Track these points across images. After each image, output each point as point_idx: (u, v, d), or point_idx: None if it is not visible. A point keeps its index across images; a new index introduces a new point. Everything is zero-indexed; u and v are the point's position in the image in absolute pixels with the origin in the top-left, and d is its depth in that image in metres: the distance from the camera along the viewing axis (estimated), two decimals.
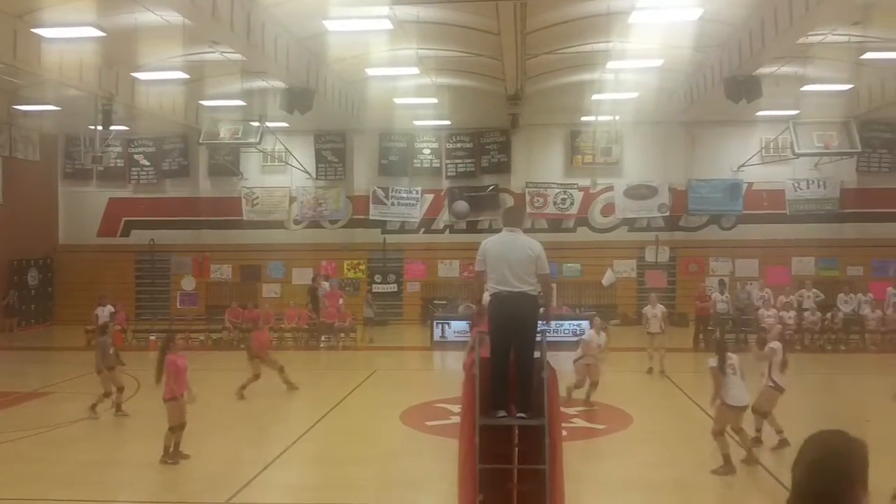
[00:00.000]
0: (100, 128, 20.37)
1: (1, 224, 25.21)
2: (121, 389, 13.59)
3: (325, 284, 23.93)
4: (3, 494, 9.47)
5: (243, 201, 27.49)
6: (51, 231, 28.37)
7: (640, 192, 26.34)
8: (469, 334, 10.20)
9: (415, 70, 19.81)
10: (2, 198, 25.64)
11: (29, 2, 15.38)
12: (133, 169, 28.09)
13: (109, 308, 20.59)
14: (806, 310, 21.78)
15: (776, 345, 11.34)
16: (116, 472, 10.24)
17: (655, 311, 17.76)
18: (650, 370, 17.34)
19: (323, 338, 22.37)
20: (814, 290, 22.83)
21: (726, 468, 9.95)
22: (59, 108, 23.40)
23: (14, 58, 16.57)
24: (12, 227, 25.57)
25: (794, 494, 2.52)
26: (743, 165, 25.79)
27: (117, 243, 28.11)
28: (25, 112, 24.87)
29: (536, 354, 7.11)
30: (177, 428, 10.65)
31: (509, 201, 26.16)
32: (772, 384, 10.94)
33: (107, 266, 27.21)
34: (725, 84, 18.42)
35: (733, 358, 10.46)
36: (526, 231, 7.65)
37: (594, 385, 13.99)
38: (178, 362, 10.84)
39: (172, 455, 10.53)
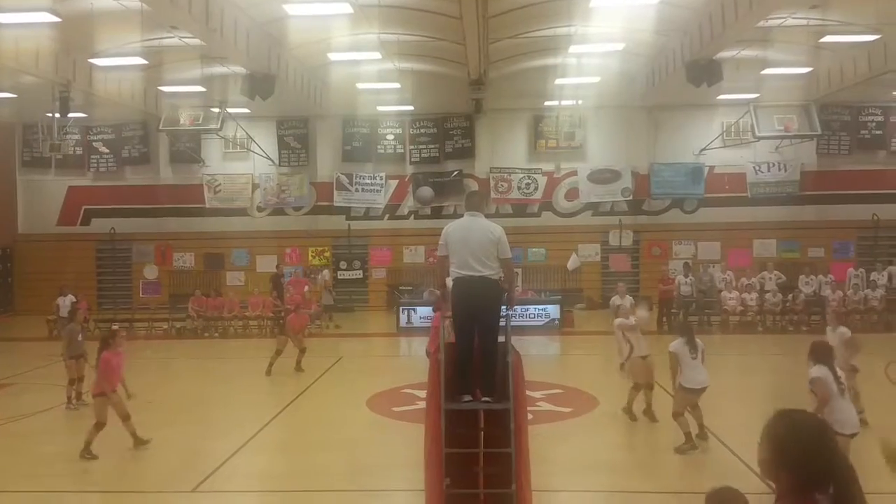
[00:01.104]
0: (57, 115, 19.93)
1: None
2: (81, 379, 13.38)
3: (325, 272, 24.62)
4: None
5: (205, 188, 27.16)
6: (9, 220, 27.79)
7: (603, 177, 26.53)
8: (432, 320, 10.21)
9: (377, 55, 19.69)
10: None
11: None
12: (92, 157, 27.60)
13: (70, 297, 20.26)
14: (768, 292, 22.16)
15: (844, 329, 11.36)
16: (80, 463, 10.10)
17: (624, 301, 16.07)
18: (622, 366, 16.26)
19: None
20: (775, 272, 23.23)
21: (687, 445, 10.14)
22: (15, 96, 22.85)
23: None
24: None
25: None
26: (704, 149, 26.08)
27: (77, 232, 27.64)
28: None
29: (501, 339, 7.17)
30: (100, 425, 10.41)
31: (473, 186, 26.18)
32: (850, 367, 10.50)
33: (67, 255, 26.75)
34: (687, 68, 18.61)
35: (697, 342, 10.51)
36: (490, 216, 7.71)
37: (650, 387, 12.01)
38: (113, 360, 10.71)
39: (89, 451, 10.30)
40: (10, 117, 26.67)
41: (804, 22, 17.34)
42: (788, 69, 21.73)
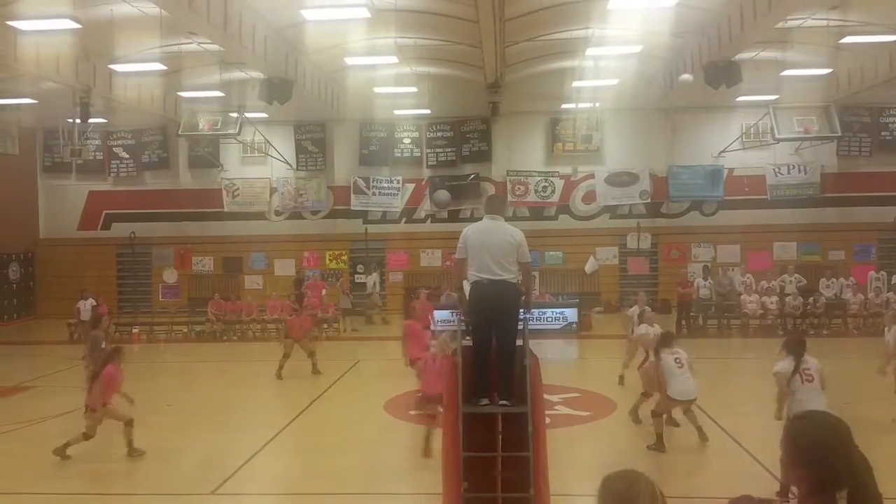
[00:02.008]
0: (78, 121, 20.16)
1: None
2: None
3: (374, 276, 25.08)
4: None
5: (224, 193, 27.33)
6: (31, 225, 28.11)
7: (621, 180, 26.42)
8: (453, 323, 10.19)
9: (394, 59, 19.73)
10: None
11: None
12: (112, 162, 27.86)
13: (91, 301, 20.45)
14: (788, 295, 21.96)
15: None
16: (97, 467, 10.19)
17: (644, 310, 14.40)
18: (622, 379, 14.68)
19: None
20: (796, 275, 23.02)
21: (657, 446, 10.42)
22: (36, 102, 23.11)
23: None
24: None
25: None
26: (723, 151, 25.90)
27: (98, 236, 27.91)
28: (3, 106, 24.51)
29: (518, 342, 7.15)
30: (89, 436, 10.51)
31: (490, 190, 26.16)
32: None
33: (88, 259, 27.02)
34: (705, 70, 18.49)
35: (680, 352, 10.67)
36: (507, 219, 7.67)
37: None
38: (117, 376, 10.80)
39: (62, 451, 10.46)
40: (31, 123, 26.97)
41: (824, 23, 17.19)
42: (808, 70, 21.56)
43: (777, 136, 22.88)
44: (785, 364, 8.60)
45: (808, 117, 22.82)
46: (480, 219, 7.58)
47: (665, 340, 11.04)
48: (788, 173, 26.08)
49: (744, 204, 26.15)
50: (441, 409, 9.34)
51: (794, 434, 2.65)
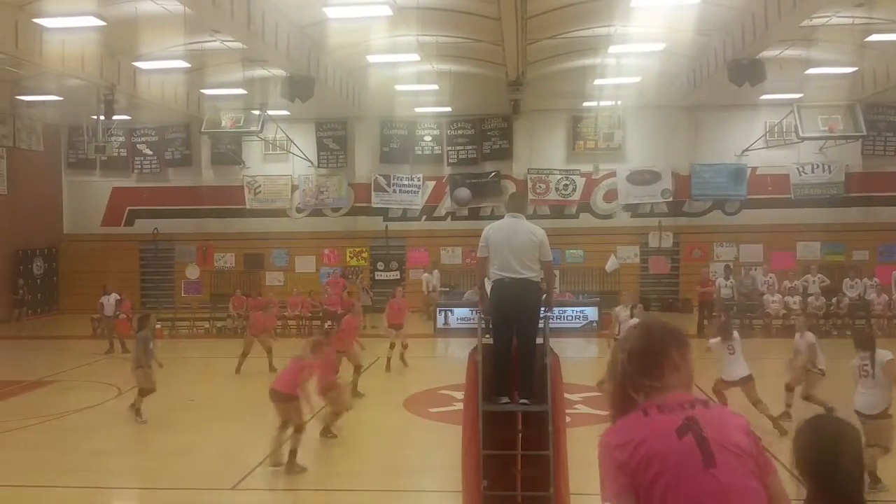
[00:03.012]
0: (102, 118, 20.38)
1: (6, 214, 25.30)
2: (153, 390, 12.52)
3: (432, 274, 24.80)
4: (10, 481, 9.54)
5: (246, 190, 27.49)
6: (55, 221, 28.43)
7: (643, 178, 26.27)
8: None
9: (415, 57, 19.74)
10: (7, 188, 25.72)
11: None
12: (136, 158, 28.12)
13: (115, 296, 20.62)
14: (811, 295, 21.73)
15: None
16: (122, 460, 10.29)
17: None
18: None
19: (327, 325, 22.39)
20: (819, 274, 22.78)
21: None
22: (61, 99, 23.39)
23: (16, 48, 16.57)
24: (17, 216, 25.66)
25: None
26: (747, 150, 25.68)
27: (121, 232, 28.18)
28: (28, 102, 24.86)
29: (539, 341, 7.13)
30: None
31: (511, 188, 26.10)
32: None
33: (111, 255, 27.29)
34: (728, 68, 18.34)
35: (736, 340, 11.34)
36: (528, 217, 7.65)
37: None
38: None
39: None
40: (56, 120, 27.28)
41: (849, 20, 16.99)
42: (833, 69, 21.32)
43: (801, 134, 22.63)
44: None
45: (832, 116, 22.56)
46: (501, 217, 7.55)
47: (724, 331, 11.51)
48: (812, 172, 25.81)
49: (767, 203, 25.91)
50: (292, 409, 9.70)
51: (795, 438, 2.70)
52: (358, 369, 14.24)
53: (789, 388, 11.92)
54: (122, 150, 27.57)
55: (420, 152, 27.13)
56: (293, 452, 9.63)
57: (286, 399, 9.77)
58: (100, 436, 11.69)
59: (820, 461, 2.58)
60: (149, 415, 12.16)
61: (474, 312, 7.58)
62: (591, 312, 21.77)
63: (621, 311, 14.07)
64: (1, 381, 13.91)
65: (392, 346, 16.80)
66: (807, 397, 11.59)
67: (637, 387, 2.68)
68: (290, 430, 9.76)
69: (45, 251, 27.60)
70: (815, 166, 25.74)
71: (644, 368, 2.69)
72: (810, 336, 11.97)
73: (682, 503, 2.47)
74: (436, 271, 25.20)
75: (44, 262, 27.48)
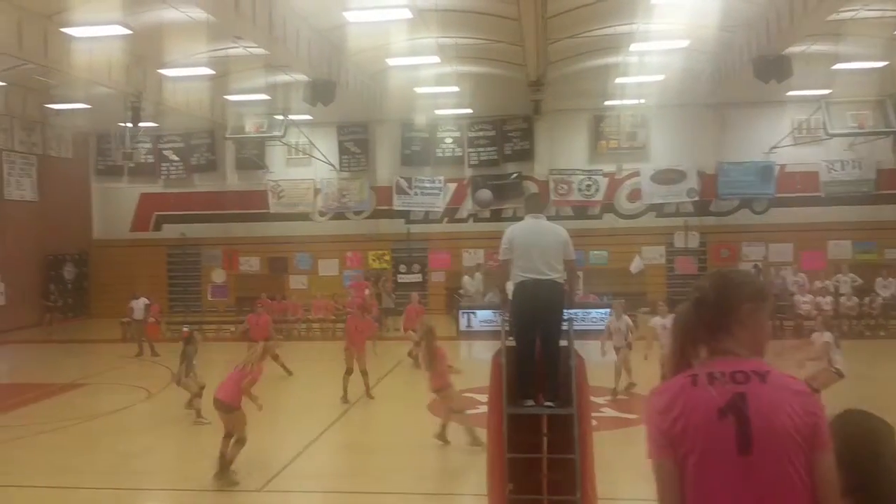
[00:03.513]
0: (129, 125, 20.66)
1: (37, 220, 25.70)
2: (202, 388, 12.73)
3: (473, 277, 23.85)
4: (42, 483, 9.71)
5: (269, 194, 27.69)
6: (85, 226, 28.85)
7: (667, 177, 26.05)
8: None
9: (435, 59, 19.76)
10: (38, 195, 26.12)
11: (57, 2, 15.57)
12: (163, 164, 28.43)
13: (143, 300, 20.86)
14: (842, 295, 21.39)
15: None
16: (152, 462, 10.39)
17: (620, 323, 14.35)
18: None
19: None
20: (850, 274, 22.42)
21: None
22: (89, 107, 23.72)
23: (45, 58, 16.84)
24: (48, 222, 26.06)
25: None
26: (774, 147, 25.37)
27: (149, 237, 28.51)
28: (58, 111, 25.28)
29: (563, 343, 7.09)
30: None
31: (533, 189, 26.03)
32: None
33: (140, 260, 27.63)
34: (754, 64, 18.12)
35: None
36: (550, 218, 7.63)
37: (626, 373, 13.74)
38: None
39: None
40: (85, 127, 27.65)
41: (878, 14, 16.72)
42: (862, 63, 20.97)
43: (830, 131, 22.34)
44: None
45: (862, 112, 22.27)
46: (522, 218, 7.52)
47: (830, 325, 11.84)
48: (842, 169, 25.43)
49: (796, 201, 25.57)
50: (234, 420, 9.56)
51: (833, 435, 2.58)
52: (364, 372, 14.20)
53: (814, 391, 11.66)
54: (149, 156, 27.89)
55: (441, 154, 27.14)
56: (229, 462, 9.45)
57: (229, 409, 9.57)
58: (130, 438, 11.82)
59: (858, 457, 2.49)
60: (188, 416, 12.29)
61: (497, 315, 7.55)
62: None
63: (658, 321, 13.62)
64: (33, 384, 14.13)
65: (417, 344, 16.93)
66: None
67: (698, 340, 2.57)
68: (231, 437, 9.61)
69: (75, 256, 28.01)
70: (845, 163, 25.35)
71: (710, 320, 2.57)
72: (827, 335, 11.77)
73: (710, 486, 2.44)
74: (477, 274, 24.61)
75: (74, 267, 27.88)
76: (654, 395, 2.62)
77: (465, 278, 23.86)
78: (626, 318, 14.10)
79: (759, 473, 2.40)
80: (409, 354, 17.50)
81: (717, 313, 2.56)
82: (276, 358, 15.87)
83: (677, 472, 2.49)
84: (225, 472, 9.43)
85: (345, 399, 13.84)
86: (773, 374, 2.53)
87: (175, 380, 13.11)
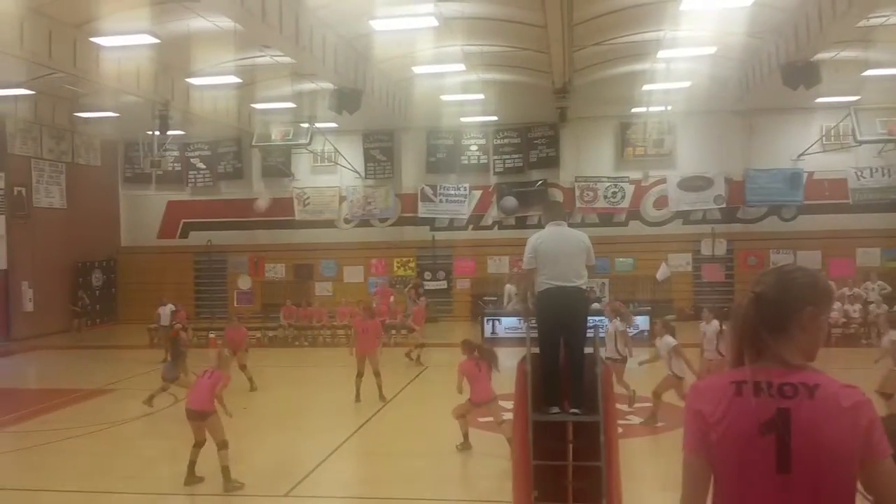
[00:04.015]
0: (157, 133, 20.90)
1: (66, 228, 26.05)
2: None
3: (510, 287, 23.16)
4: (71, 487, 9.82)
5: (295, 201, 27.87)
6: (113, 233, 29.20)
7: (694, 184, 25.87)
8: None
9: (461, 66, 19.80)
10: (66, 202, 26.48)
11: (87, 12, 15.83)
12: (190, 172, 28.72)
13: (171, 307, 21.06)
14: (871, 303, 21.09)
15: None
16: (178, 467, 10.42)
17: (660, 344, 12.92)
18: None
19: None
20: (879, 282, 22.15)
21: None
22: (118, 115, 24.04)
23: (74, 67, 17.09)
24: (76, 230, 26.40)
25: None
26: (803, 154, 25.11)
27: (176, 244, 28.79)
28: (86, 119, 25.66)
29: (588, 350, 7.05)
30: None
31: (558, 196, 25.97)
32: None
33: (167, 266, 27.91)
34: (782, 71, 17.95)
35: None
36: (575, 225, 7.66)
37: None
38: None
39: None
40: (113, 135, 28.04)
41: None
42: (891, 70, 20.67)
43: (859, 138, 22.07)
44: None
45: (891, 119, 21.94)
46: (544, 227, 7.51)
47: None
48: (871, 176, 25.12)
49: (825, 208, 25.27)
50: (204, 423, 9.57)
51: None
52: (377, 374, 14.57)
53: (886, 396, 10.93)
54: (176, 164, 28.20)
55: (466, 162, 27.16)
56: (226, 469, 9.48)
57: (205, 416, 9.59)
58: (157, 443, 11.92)
59: None
60: None
61: (522, 322, 7.54)
62: (643, 322, 21.45)
63: (707, 328, 13.29)
64: (62, 389, 14.29)
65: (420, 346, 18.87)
66: (883, 394, 10.92)
67: (754, 339, 2.46)
68: (202, 448, 9.62)
69: (103, 263, 28.34)
70: (874, 170, 25.03)
71: (768, 319, 2.45)
72: (894, 334, 11.42)
73: (744, 500, 2.39)
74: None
75: (102, 273, 28.22)
76: (696, 391, 2.56)
77: (509, 286, 23.38)
78: (668, 338, 12.43)
79: (797, 493, 2.32)
80: (407, 355, 18.63)
81: (777, 313, 2.46)
82: (243, 368, 15.99)
83: (707, 474, 2.46)
84: (227, 480, 9.50)
85: (357, 398, 14.29)
86: (822, 387, 2.42)
87: (168, 377, 13.66)
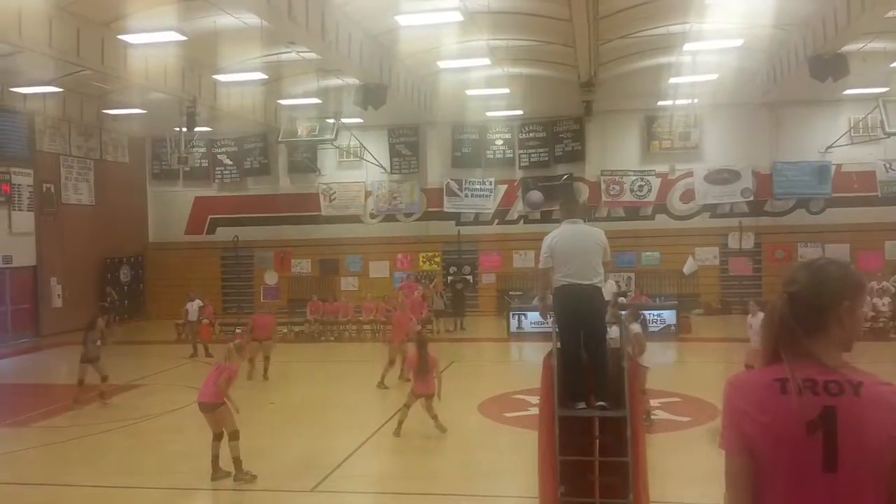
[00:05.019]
0: (184, 129, 21.11)
1: (94, 223, 26.40)
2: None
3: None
4: (98, 482, 9.95)
5: (321, 197, 28.01)
6: (141, 230, 29.54)
7: (721, 177, 25.64)
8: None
9: (486, 61, 19.77)
10: (94, 199, 26.83)
11: (114, 10, 16.02)
12: (217, 168, 28.97)
13: (198, 302, 21.27)
14: None
15: None
16: (205, 461, 10.54)
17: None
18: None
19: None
20: None
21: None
22: (145, 112, 24.33)
23: (102, 64, 17.31)
24: (105, 226, 26.74)
25: None
26: (831, 146, 24.82)
27: (204, 240, 29.07)
28: (114, 116, 25.99)
29: (615, 346, 7.05)
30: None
31: (584, 190, 25.91)
32: None
33: (194, 262, 28.21)
34: (810, 63, 17.74)
35: None
36: (602, 219, 7.71)
37: None
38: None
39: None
40: (140, 132, 28.36)
41: None
42: None
43: (887, 130, 21.78)
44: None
45: None
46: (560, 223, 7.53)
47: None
48: None
49: (853, 201, 24.97)
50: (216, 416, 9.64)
51: None
52: (392, 363, 15.30)
53: None
54: (203, 160, 28.48)
55: (491, 156, 27.14)
56: (237, 460, 9.55)
57: (214, 408, 9.66)
58: (184, 438, 12.03)
59: None
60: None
61: (547, 317, 7.54)
62: (669, 316, 21.34)
63: (754, 321, 13.05)
64: (90, 384, 14.47)
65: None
66: None
67: (790, 339, 2.39)
68: (225, 440, 9.67)
69: (131, 259, 28.68)
70: None
71: (805, 318, 2.38)
72: None
73: (790, 500, 2.34)
74: (611, 275, 22.77)
75: (130, 269, 28.54)
76: (735, 388, 2.48)
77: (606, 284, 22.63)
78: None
79: (843, 492, 2.29)
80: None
81: (813, 313, 2.39)
82: (266, 360, 16.22)
83: (751, 473, 2.39)
84: (239, 471, 9.58)
85: (381, 385, 15.00)
86: (867, 384, 2.37)
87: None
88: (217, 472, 9.74)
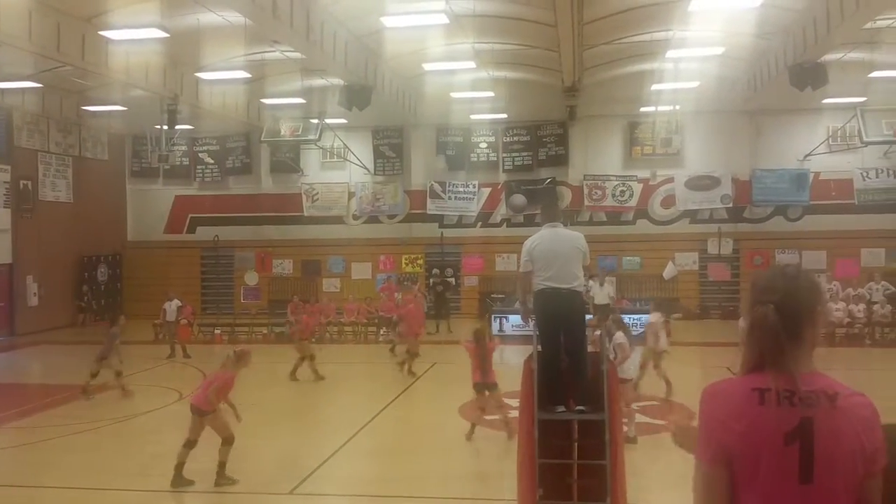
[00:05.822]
0: (165, 127, 20.94)
1: (72, 221, 26.10)
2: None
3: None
4: (75, 483, 9.85)
5: (304, 197, 27.91)
6: (119, 228, 29.26)
7: (702, 183, 25.85)
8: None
9: (471, 64, 19.80)
10: (73, 196, 26.55)
11: (96, 5, 15.87)
12: (198, 167, 28.78)
13: (177, 302, 21.11)
14: (875, 303, 21.13)
15: None
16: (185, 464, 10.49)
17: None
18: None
19: (381, 331, 22.56)
20: (883, 282, 22.14)
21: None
22: (126, 109, 24.11)
23: (83, 60, 17.14)
24: (83, 223, 26.46)
25: None
26: (809, 154, 25.10)
27: (183, 239, 28.86)
28: (94, 113, 25.73)
29: (593, 349, 7.09)
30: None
31: (567, 194, 25.99)
32: None
33: (173, 261, 27.99)
34: (790, 71, 17.93)
35: None
36: (583, 224, 7.73)
37: None
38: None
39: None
40: (120, 129, 28.10)
41: None
42: None
43: (865, 139, 22.11)
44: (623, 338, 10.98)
45: None
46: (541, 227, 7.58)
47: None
48: (877, 177, 25.13)
49: (830, 209, 25.25)
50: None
51: None
52: (416, 355, 16.73)
53: None
54: (184, 158, 28.28)
55: (475, 159, 27.19)
56: (222, 465, 9.50)
57: (203, 414, 9.57)
58: (162, 439, 11.91)
59: None
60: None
61: (528, 321, 7.59)
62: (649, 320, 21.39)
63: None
64: (66, 384, 14.33)
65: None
66: None
67: (778, 349, 2.37)
68: (192, 450, 9.58)
69: (109, 258, 28.39)
70: (880, 171, 25.05)
71: (789, 328, 2.38)
72: None
73: None
74: (609, 278, 21.95)
75: (108, 268, 28.26)
76: (712, 397, 2.47)
77: (592, 283, 20.26)
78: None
79: (817, 502, 2.31)
80: (392, 350, 19.10)
81: (796, 321, 2.40)
82: (312, 359, 16.30)
83: (726, 484, 2.38)
84: (221, 476, 9.50)
85: (410, 373, 16.42)
86: (841, 395, 2.38)
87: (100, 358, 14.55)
88: (178, 479, 9.48)
